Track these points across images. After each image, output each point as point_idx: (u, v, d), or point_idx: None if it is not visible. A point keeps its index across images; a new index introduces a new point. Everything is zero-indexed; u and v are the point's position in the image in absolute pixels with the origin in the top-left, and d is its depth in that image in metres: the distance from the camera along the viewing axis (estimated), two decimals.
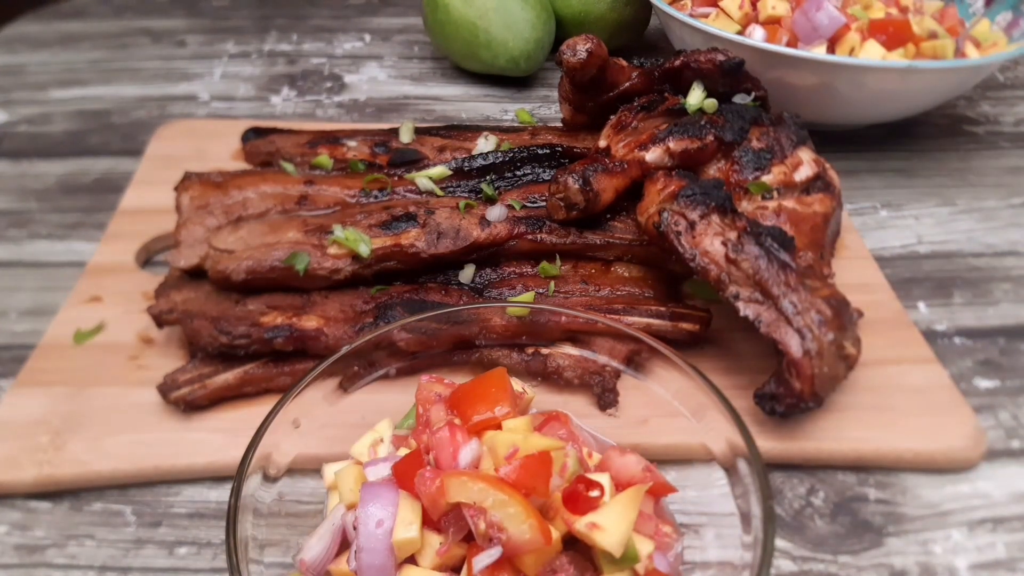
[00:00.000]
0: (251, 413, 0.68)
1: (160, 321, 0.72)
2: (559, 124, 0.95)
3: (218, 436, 0.66)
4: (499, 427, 0.52)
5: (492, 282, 0.76)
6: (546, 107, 1.14)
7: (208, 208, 0.77)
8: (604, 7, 1.15)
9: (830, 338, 0.64)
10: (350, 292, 0.74)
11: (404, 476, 0.50)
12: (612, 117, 0.84)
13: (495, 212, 0.76)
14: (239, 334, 0.68)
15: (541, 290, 0.75)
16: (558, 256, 0.77)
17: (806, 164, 0.81)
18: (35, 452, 0.65)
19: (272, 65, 1.24)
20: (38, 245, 0.89)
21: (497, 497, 0.46)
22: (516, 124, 1.07)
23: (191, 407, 0.67)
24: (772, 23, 0.96)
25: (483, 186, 0.80)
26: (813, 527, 0.61)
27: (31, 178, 0.99)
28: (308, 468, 0.60)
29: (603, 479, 0.51)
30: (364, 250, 0.72)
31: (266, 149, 0.89)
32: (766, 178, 0.79)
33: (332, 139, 0.90)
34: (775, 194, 0.78)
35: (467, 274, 0.75)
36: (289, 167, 0.83)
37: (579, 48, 0.81)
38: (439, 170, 0.82)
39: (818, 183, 0.81)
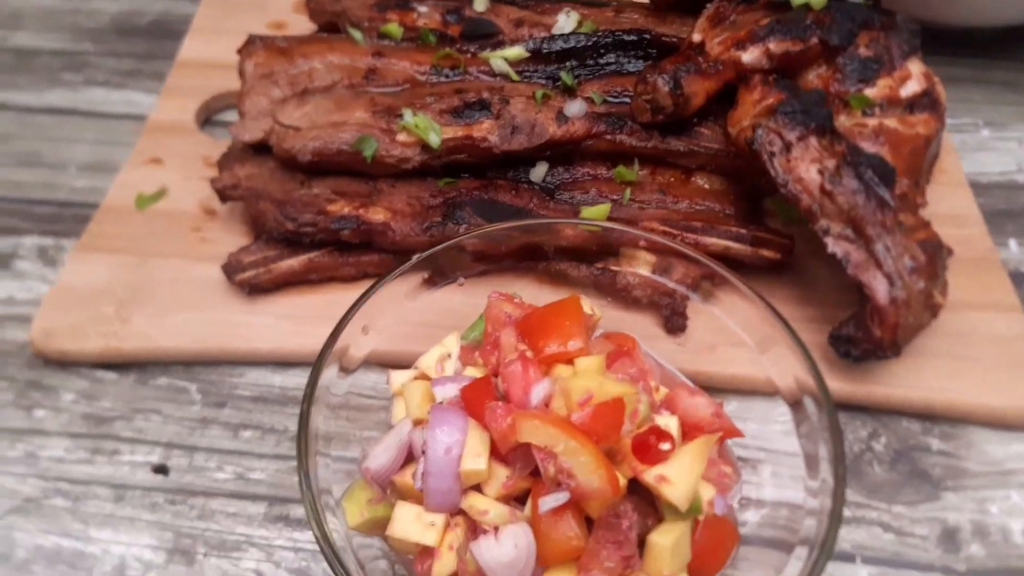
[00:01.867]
0: (315, 300, 0.68)
1: (224, 196, 0.70)
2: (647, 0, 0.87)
3: (283, 322, 0.66)
4: (571, 362, 0.51)
5: (564, 183, 0.72)
6: None
7: (272, 77, 0.73)
8: None
9: (920, 287, 0.61)
10: (417, 183, 0.71)
11: (474, 404, 0.49)
12: (709, 6, 0.77)
13: (574, 107, 0.71)
14: (305, 222, 0.66)
15: (615, 196, 0.71)
16: (636, 160, 0.73)
17: (915, 78, 0.74)
18: (101, 323, 0.66)
19: None
20: (95, 92, 0.86)
21: (569, 444, 0.45)
22: None
23: (256, 290, 0.67)
24: None
25: (562, 74, 0.74)
26: (871, 473, 0.61)
27: (84, 15, 0.95)
28: (374, 363, 0.60)
29: (672, 423, 0.51)
30: (434, 140, 0.69)
31: (331, 8, 0.83)
32: (870, 92, 0.72)
33: (402, 2, 0.83)
34: (877, 110, 0.73)
35: (539, 173, 0.72)
36: (357, 35, 0.77)
37: None
38: (515, 51, 0.76)
39: (924, 100, 0.74)
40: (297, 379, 0.65)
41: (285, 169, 0.71)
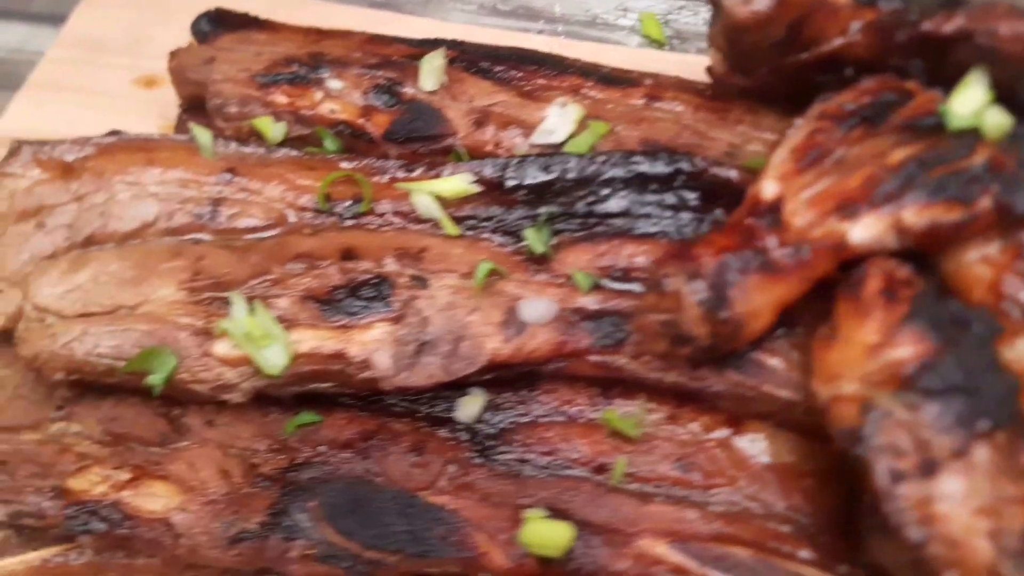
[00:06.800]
0: None
1: None
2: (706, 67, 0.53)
3: None
4: None
5: (515, 427, 0.41)
6: (690, 11, 0.71)
7: (41, 214, 0.44)
8: None
9: None
10: (254, 419, 0.41)
11: None
12: (798, 125, 0.43)
13: (534, 308, 0.40)
14: (23, 510, 0.37)
15: (604, 460, 0.40)
16: (644, 396, 0.41)
17: None
18: None
19: None
20: None
21: None
22: (638, 39, 0.67)
23: None
24: None
25: (528, 231, 0.43)
26: None
27: None
28: None
29: None
30: (275, 363, 0.39)
31: (194, 76, 0.53)
32: None
33: (310, 67, 0.53)
34: None
35: (469, 410, 0.41)
36: (204, 136, 0.47)
37: None
38: (456, 184, 0.45)
39: None
40: None
41: (41, 380, 0.42)
